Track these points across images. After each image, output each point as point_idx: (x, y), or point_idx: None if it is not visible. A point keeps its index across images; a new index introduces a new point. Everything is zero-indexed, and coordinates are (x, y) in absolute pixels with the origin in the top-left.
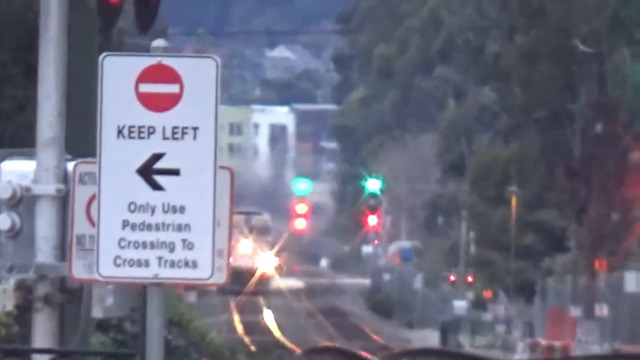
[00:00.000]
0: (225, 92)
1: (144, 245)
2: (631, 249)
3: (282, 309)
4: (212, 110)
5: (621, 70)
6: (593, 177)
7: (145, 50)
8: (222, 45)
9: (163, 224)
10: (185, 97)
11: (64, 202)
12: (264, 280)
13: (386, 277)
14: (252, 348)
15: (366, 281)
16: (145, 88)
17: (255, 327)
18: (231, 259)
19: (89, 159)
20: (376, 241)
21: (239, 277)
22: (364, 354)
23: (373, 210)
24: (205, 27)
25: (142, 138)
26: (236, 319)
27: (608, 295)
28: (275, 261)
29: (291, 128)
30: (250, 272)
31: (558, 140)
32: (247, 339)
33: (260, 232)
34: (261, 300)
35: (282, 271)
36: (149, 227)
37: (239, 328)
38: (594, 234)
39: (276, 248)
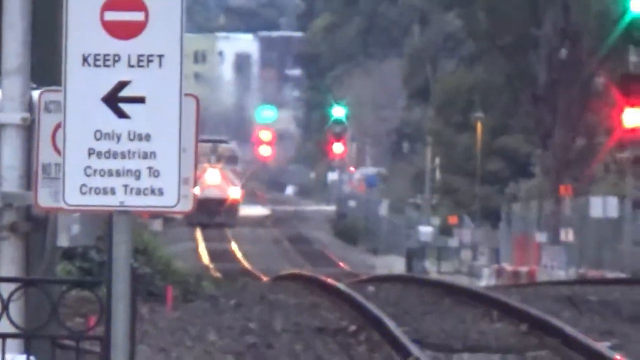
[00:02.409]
0: (190, 20)
1: (110, 173)
2: (596, 174)
3: (248, 237)
4: (178, 38)
5: None
6: (558, 103)
7: None
8: None
9: (129, 151)
10: (150, 25)
11: (29, 131)
12: (231, 210)
13: (352, 203)
14: (218, 275)
15: (332, 208)
16: (111, 16)
17: (221, 255)
18: (198, 189)
19: (55, 88)
20: (352, 168)
21: (207, 207)
22: (329, 280)
23: (338, 137)
24: None
25: (108, 66)
26: (202, 247)
27: (573, 220)
28: (244, 192)
29: (256, 56)
30: (218, 202)
31: (523, 66)
32: (212, 267)
33: (228, 161)
34: (227, 229)
35: (250, 200)
36: (114, 155)
37: (205, 256)
38: (559, 160)
39: (244, 177)
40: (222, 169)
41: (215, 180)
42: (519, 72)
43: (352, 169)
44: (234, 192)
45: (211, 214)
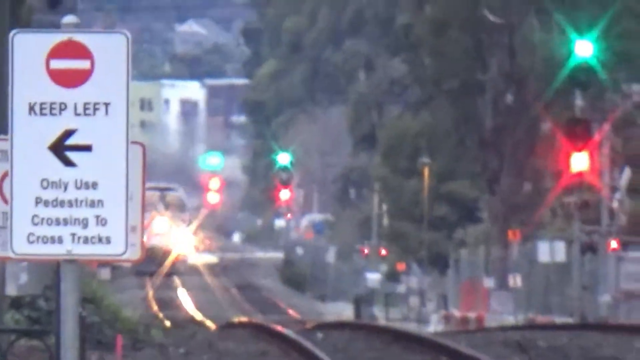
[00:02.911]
0: (135, 68)
1: (57, 221)
2: (543, 218)
3: (197, 285)
4: (124, 85)
5: (531, 40)
6: (504, 148)
7: (55, 27)
8: (131, 20)
9: (76, 200)
10: (96, 73)
11: None
12: (180, 258)
13: (299, 250)
14: (167, 324)
15: (279, 255)
16: (57, 64)
17: (169, 303)
18: (145, 238)
19: (1, 136)
20: (289, 215)
21: (154, 256)
22: (278, 327)
23: (285, 184)
24: (115, 3)
25: (54, 114)
26: (150, 295)
27: (521, 265)
28: (192, 240)
29: (202, 103)
30: (165, 252)
31: (469, 111)
32: (161, 315)
33: (176, 209)
34: (176, 277)
35: (198, 249)
36: (61, 203)
37: (154, 305)
38: (507, 204)
39: (193, 225)
40: (171, 217)
41: (163, 229)
42: (466, 116)
43: (289, 215)
44: (182, 241)
45: (159, 262)
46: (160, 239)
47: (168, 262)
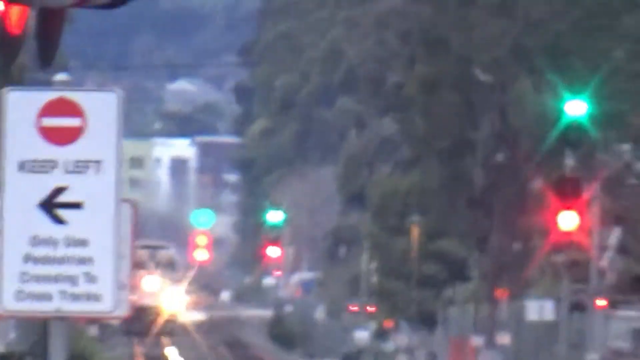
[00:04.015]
0: (126, 125)
1: (47, 279)
2: (532, 277)
3: (185, 343)
4: (115, 143)
5: (522, 99)
6: (494, 206)
7: (47, 84)
8: (122, 78)
9: (65, 257)
10: (87, 131)
11: None
12: (170, 318)
13: (288, 308)
14: None
15: (268, 313)
16: (48, 122)
17: None
18: (135, 297)
19: None
20: (278, 272)
21: (144, 314)
22: None
23: (274, 241)
24: (106, 61)
25: (45, 172)
26: (138, 352)
27: (510, 323)
28: (184, 299)
29: (193, 161)
30: (155, 311)
31: (459, 169)
32: None
33: (167, 268)
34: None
35: (187, 307)
36: (51, 260)
37: None
38: (496, 263)
39: (184, 284)
40: (161, 276)
41: (154, 288)
42: (456, 175)
43: (279, 273)
44: (173, 300)
45: (149, 322)
46: (150, 298)
47: (158, 322)
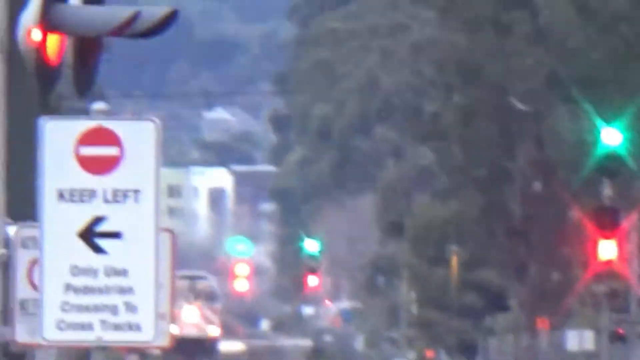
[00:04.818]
0: (163, 154)
1: (87, 308)
2: (572, 307)
3: None
4: (153, 172)
5: (558, 128)
6: (533, 236)
7: (84, 113)
8: (159, 107)
9: (106, 287)
10: (125, 160)
11: (6, 266)
12: (210, 349)
13: (327, 338)
14: None
15: (307, 342)
16: (86, 151)
17: None
18: (176, 327)
19: (31, 224)
20: (327, 301)
21: (185, 346)
22: None
23: (313, 271)
24: (142, 89)
25: (83, 201)
26: None
27: (550, 353)
28: (219, 329)
29: (230, 190)
30: (196, 341)
31: (497, 199)
32: None
33: (207, 298)
34: None
35: (225, 334)
36: (91, 290)
37: None
38: (535, 293)
39: (224, 315)
40: (201, 307)
41: (194, 319)
42: (494, 205)
43: (327, 302)
44: (213, 331)
45: (189, 353)
46: (190, 329)
47: (198, 353)
